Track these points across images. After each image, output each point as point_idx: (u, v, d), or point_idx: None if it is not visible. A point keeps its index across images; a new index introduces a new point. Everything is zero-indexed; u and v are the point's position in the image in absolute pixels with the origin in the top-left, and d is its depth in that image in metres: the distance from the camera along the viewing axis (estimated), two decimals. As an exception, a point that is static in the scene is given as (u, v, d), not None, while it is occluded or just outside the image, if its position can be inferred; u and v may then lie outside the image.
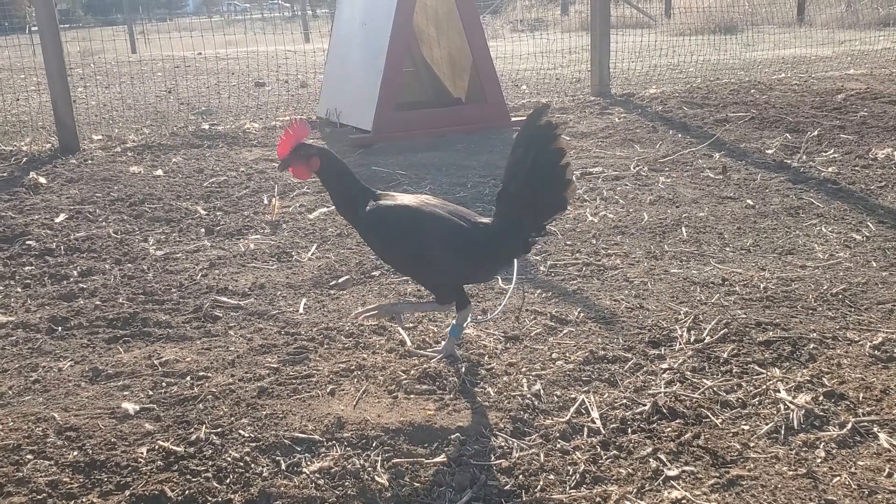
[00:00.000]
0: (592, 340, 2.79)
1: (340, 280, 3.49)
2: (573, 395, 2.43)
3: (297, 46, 15.75)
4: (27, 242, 4.08)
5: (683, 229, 3.97)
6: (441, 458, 2.14)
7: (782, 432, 2.21)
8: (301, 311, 3.16)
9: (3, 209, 4.71)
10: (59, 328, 3.07)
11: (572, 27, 17.21)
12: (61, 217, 4.50)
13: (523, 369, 2.59)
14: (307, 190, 4.99)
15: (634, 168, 5.20)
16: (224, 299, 3.28)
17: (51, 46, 6.31)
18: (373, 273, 3.57)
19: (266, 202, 4.76)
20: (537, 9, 22.23)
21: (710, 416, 2.32)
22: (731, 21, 15.52)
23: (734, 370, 2.57)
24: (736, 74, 9.42)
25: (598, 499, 1.98)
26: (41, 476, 2.08)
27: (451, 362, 2.64)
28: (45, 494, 2.01)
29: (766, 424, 2.25)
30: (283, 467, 2.11)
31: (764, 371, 2.55)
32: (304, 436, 2.24)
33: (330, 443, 2.21)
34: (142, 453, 2.16)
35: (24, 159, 6.05)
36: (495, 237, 2.52)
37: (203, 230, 4.25)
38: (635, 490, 2.00)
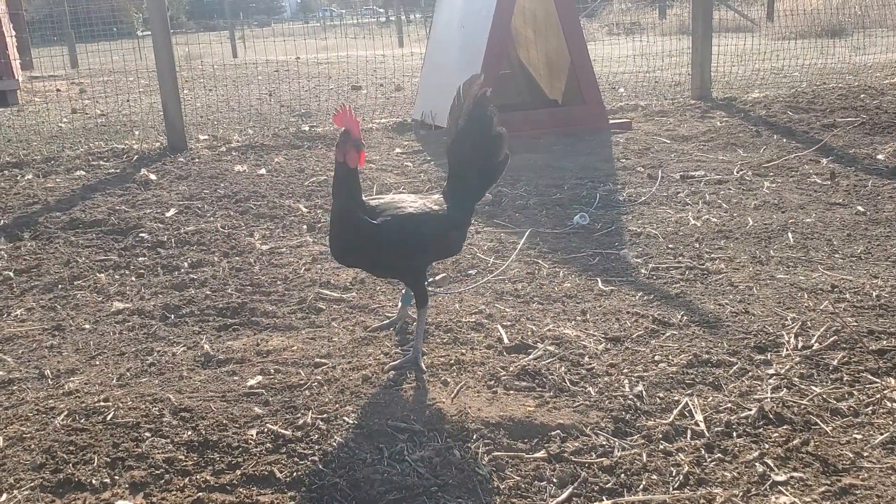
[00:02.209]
0: (696, 344, 2.74)
1: (437, 277, 3.53)
2: (676, 398, 2.40)
3: (391, 51, 16.00)
4: (140, 235, 4.28)
5: (790, 235, 3.85)
6: (542, 454, 2.14)
7: (899, 443, 2.13)
8: (399, 305, 3.21)
9: (117, 203, 4.95)
10: (172, 315, 3.21)
11: (670, 30, 16.91)
12: (171, 212, 4.70)
13: (625, 370, 2.57)
14: (403, 190, 5.06)
15: (738, 172, 5.07)
16: (327, 292, 3.37)
17: (163, 51, 6.60)
18: (469, 272, 3.60)
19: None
20: (633, 12, 21.94)
21: (820, 423, 2.25)
22: (838, 24, 14.95)
23: (845, 378, 2.48)
24: (844, 79, 9.08)
25: (702, 500, 1.94)
26: (158, 453, 2.18)
27: (419, 370, 2.62)
28: (162, 470, 2.11)
29: (881, 434, 2.17)
30: (387, 454, 2.15)
31: (878, 380, 2.45)
32: (405, 425, 2.28)
33: (431, 433, 2.24)
34: (252, 435, 2.24)
35: (135, 157, 6.34)
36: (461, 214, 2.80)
37: (305, 227, 4.37)
38: (741, 493, 1.96)
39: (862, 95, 7.56)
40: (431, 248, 2.76)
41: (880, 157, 5.31)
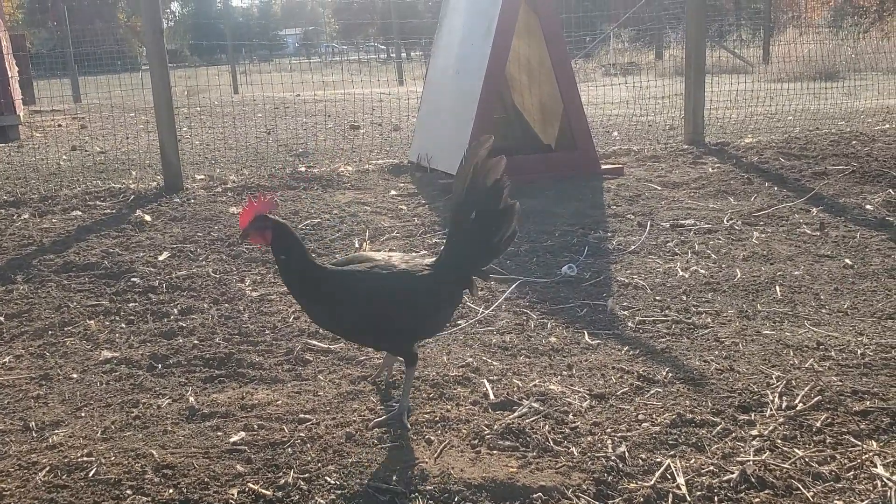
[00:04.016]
0: (680, 402, 2.75)
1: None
2: (659, 459, 2.40)
3: (391, 89, 16.16)
4: (132, 279, 4.30)
5: (777, 288, 3.88)
6: (522, 517, 2.14)
7: (879, 511, 2.13)
8: (386, 353, 3.21)
9: (111, 245, 4.97)
10: (159, 366, 3.21)
11: (666, 72, 17.07)
12: (164, 255, 4.72)
13: (608, 429, 2.57)
14: (396, 234, 5.09)
15: (728, 221, 5.11)
16: (315, 343, 3.38)
17: (160, 90, 6.65)
18: (458, 322, 3.61)
19: (357, 246, 4.88)
20: (630, 53, 22.17)
21: (801, 488, 2.25)
22: (832, 68, 15.11)
23: (827, 440, 2.48)
24: (836, 124, 9.17)
25: (681, 570, 1.94)
26: (139, 512, 2.18)
27: (403, 427, 2.62)
28: (141, 531, 2.10)
29: (862, 501, 2.17)
30: (367, 517, 2.15)
31: (860, 443, 2.46)
32: (386, 486, 2.28)
33: (412, 495, 2.24)
34: (233, 495, 2.24)
35: (132, 197, 6.38)
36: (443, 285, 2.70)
37: (296, 272, 4.38)
38: (720, 563, 1.96)
39: (853, 142, 7.63)
40: (401, 322, 2.67)
41: (869, 207, 5.35)
